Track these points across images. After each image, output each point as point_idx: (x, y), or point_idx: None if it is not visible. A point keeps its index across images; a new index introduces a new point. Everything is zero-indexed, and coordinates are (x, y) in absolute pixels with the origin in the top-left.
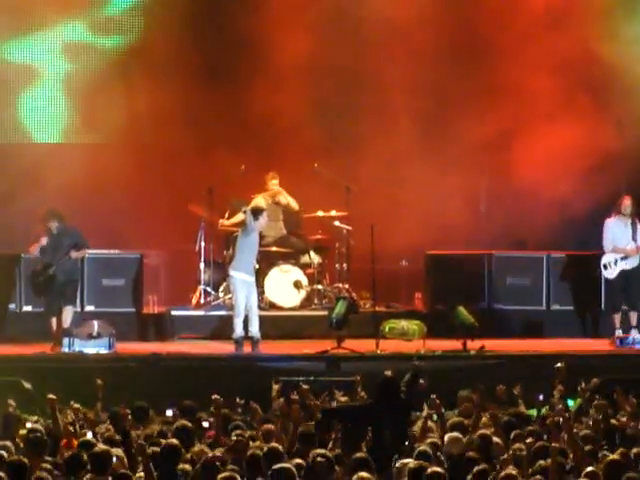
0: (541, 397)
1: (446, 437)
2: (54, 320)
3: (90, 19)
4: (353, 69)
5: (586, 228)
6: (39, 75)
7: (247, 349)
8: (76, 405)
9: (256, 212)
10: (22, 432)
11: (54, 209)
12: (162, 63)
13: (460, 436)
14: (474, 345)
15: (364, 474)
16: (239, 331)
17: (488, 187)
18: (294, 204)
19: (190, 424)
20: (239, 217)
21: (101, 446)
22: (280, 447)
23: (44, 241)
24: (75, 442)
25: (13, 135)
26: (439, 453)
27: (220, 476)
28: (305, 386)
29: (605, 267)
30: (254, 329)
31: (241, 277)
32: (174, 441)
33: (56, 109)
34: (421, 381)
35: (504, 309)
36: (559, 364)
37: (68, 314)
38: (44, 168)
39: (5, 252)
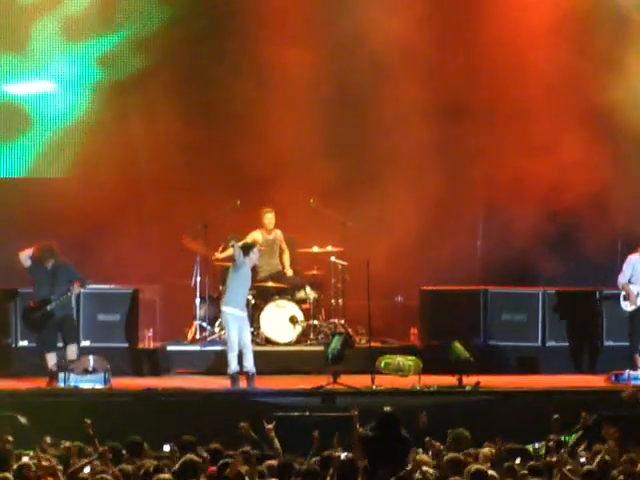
0: (537, 445)
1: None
2: (49, 355)
3: (85, 52)
4: (350, 107)
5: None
6: (34, 111)
7: (242, 384)
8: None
9: (247, 248)
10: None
11: (49, 247)
12: (158, 97)
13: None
14: (470, 381)
15: None
16: (234, 366)
17: (485, 223)
18: (284, 246)
19: (196, 458)
20: (230, 251)
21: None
22: None
23: (29, 252)
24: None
25: (13, 169)
26: None
27: None
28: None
29: (625, 299)
30: (249, 364)
31: (232, 312)
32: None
33: (55, 143)
34: (423, 416)
35: (499, 345)
36: (555, 416)
37: (73, 351)
38: (41, 202)
39: (1, 287)
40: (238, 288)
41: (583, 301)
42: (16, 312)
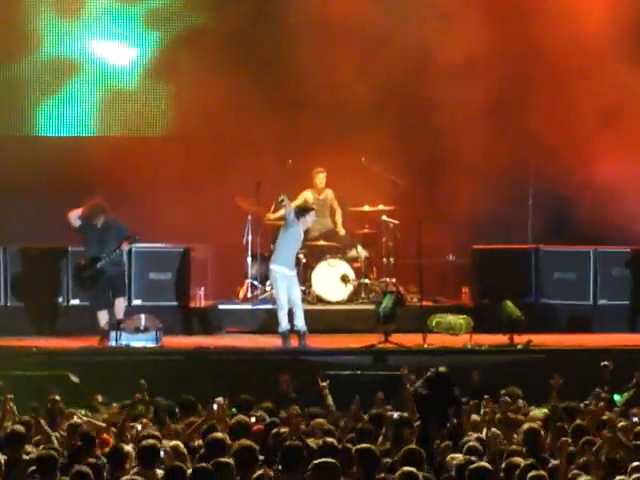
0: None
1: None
2: (101, 313)
3: (139, 10)
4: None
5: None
6: (85, 67)
7: (294, 343)
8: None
9: (303, 210)
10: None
11: (99, 205)
12: (212, 55)
13: (499, 432)
14: (521, 340)
15: (408, 469)
16: (284, 325)
17: (536, 180)
18: (335, 205)
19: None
20: (282, 211)
21: (150, 440)
22: (334, 442)
23: (78, 212)
24: (110, 439)
25: (56, 128)
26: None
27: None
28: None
29: None
30: (300, 323)
31: (281, 270)
32: (219, 434)
33: (104, 102)
34: (476, 375)
35: (551, 304)
36: (606, 362)
37: (121, 306)
38: (90, 160)
39: (52, 245)
40: (288, 247)
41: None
42: (67, 271)
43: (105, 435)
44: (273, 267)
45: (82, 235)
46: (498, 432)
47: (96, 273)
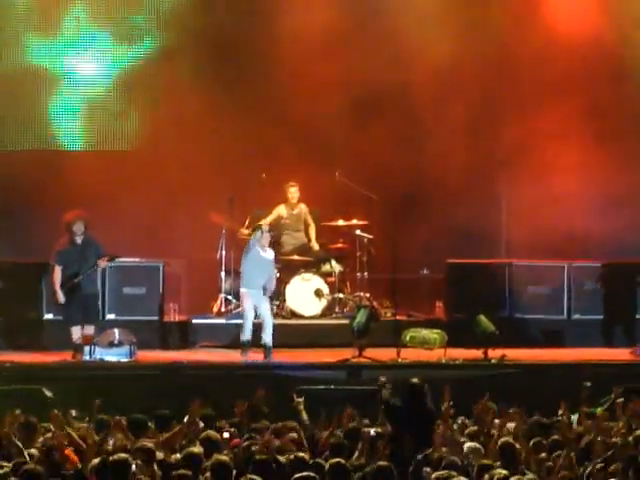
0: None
1: (465, 446)
2: (74, 329)
3: (115, 27)
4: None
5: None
6: (60, 82)
7: (257, 356)
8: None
9: (255, 229)
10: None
11: (82, 214)
12: (187, 71)
13: (478, 446)
14: (495, 354)
15: None
16: (247, 335)
17: (509, 195)
18: (309, 219)
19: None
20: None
21: (121, 455)
22: (306, 456)
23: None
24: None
25: (38, 142)
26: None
27: None
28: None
29: None
30: (267, 337)
31: (246, 291)
32: (196, 449)
33: (78, 117)
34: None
35: (525, 318)
36: (588, 383)
37: (90, 332)
38: (64, 175)
39: (31, 260)
40: (250, 269)
41: (623, 274)
42: (44, 285)
43: (68, 451)
44: (241, 290)
45: (62, 264)
46: (478, 446)
47: (73, 288)
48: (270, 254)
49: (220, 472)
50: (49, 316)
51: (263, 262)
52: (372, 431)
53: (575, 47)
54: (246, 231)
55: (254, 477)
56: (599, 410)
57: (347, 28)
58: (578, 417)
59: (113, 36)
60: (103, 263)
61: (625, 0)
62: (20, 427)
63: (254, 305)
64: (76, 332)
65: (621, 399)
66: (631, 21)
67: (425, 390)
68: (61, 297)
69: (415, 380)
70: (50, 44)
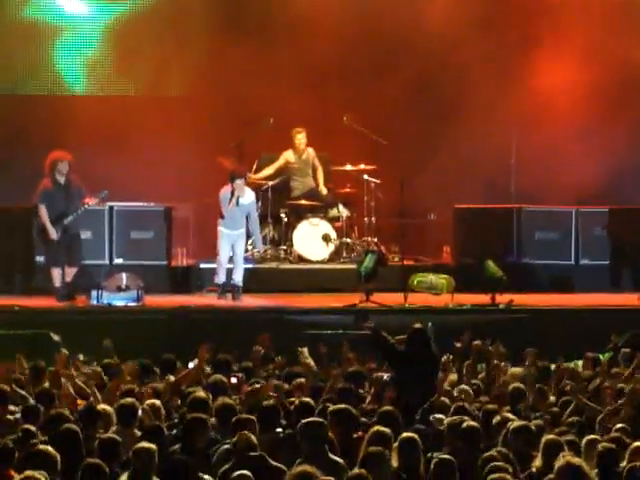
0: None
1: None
2: (55, 270)
3: None
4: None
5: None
6: (68, 27)
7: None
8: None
9: (232, 178)
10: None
11: (67, 154)
12: (192, 16)
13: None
14: (502, 299)
15: (380, 428)
16: (221, 277)
17: (519, 140)
18: (317, 163)
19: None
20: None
21: (128, 399)
22: (312, 402)
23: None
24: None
25: (40, 86)
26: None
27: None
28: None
29: None
30: (237, 277)
31: (227, 232)
32: (202, 394)
33: (85, 61)
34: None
35: (533, 263)
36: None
37: (72, 274)
38: (71, 120)
39: (24, 205)
40: (231, 214)
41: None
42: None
43: (67, 392)
44: (218, 229)
45: (46, 202)
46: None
47: (62, 229)
48: (249, 197)
49: (225, 415)
50: (40, 259)
51: (242, 207)
52: (385, 376)
53: None
54: (254, 176)
55: (245, 472)
56: (606, 356)
57: None
58: (583, 363)
59: None
60: (91, 201)
61: None
62: (29, 371)
63: (231, 245)
64: (57, 274)
65: (626, 348)
66: None
67: (429, 335)
68: (53, 232)
69: (418, 325)
70: None
